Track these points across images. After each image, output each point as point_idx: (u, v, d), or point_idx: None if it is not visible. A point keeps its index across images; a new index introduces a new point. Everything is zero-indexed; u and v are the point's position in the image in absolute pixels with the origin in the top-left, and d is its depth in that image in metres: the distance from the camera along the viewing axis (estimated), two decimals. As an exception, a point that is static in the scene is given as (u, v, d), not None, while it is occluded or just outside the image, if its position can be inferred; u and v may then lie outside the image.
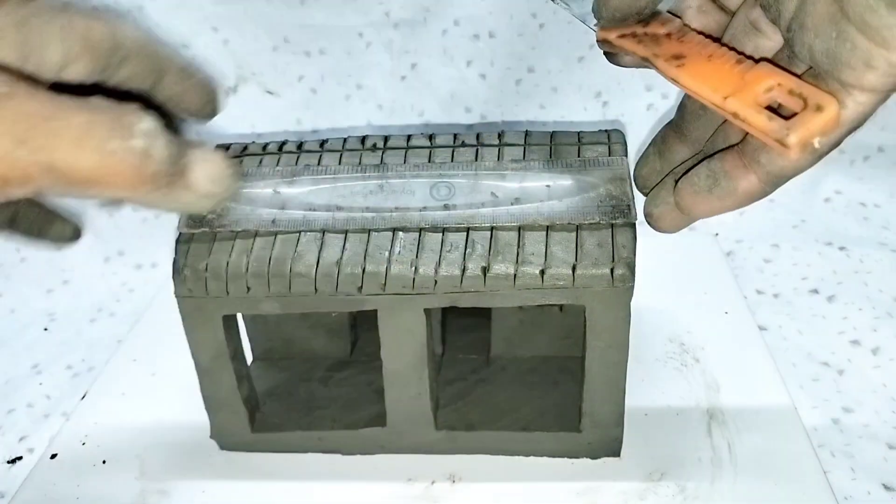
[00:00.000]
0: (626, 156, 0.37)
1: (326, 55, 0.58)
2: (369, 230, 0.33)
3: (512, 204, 0.33)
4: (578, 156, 0.37)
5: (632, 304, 0.32)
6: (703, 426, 0.39)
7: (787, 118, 0.24)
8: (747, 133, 0.27)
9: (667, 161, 0.33)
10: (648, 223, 0.33)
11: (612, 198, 0.33)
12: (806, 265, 0.52)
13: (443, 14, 0.56)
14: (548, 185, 0.33)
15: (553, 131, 0.39)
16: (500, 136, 0.39)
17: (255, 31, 0.57)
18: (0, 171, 0.20)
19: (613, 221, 0.32)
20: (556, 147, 0.38)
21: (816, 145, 0.24)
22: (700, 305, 0.47)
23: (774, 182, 0.28)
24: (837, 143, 0.26)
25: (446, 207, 0.33)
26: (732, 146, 0.28)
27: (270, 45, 0.57)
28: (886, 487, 0.37)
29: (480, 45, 0.57)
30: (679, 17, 0.30)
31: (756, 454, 0.37)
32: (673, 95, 0.57)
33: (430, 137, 0.39)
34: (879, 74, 0.23)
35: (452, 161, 0.35)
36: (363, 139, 0.39)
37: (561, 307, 0.40)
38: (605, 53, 0.32)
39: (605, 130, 0.39)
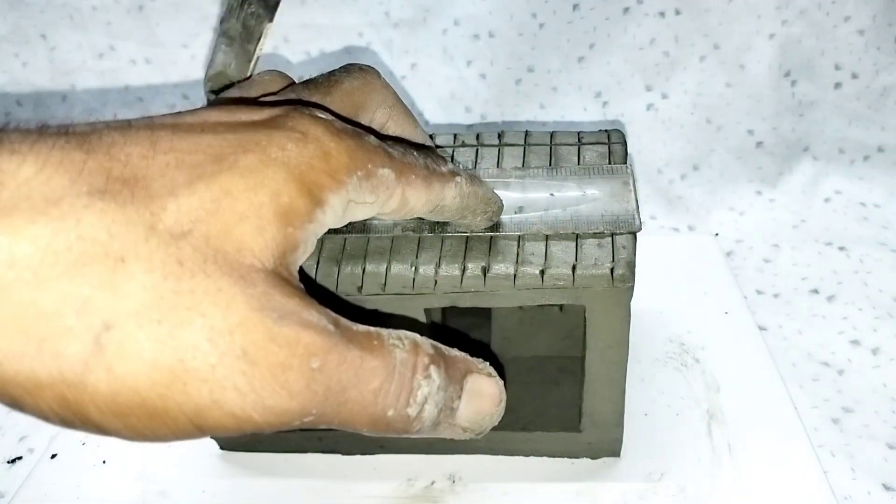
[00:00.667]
0: (627, 156, 0.37)
1: (326, 55, 0.58)
2: (368, 236, 0.33)
3: (515, 213, 0.33)
4: (578, 157, 0.37)
5: (632, 304, 0.32)
6: (703, 426, 0.39)
7: None
8: None
9: None
10: None
11: (617, 208, 0.32)
12: (806, 265, 0.52)
13: (443, 14, 0.56)
14: (551, 194, 0.33)
15: (553, 131, 0.39)
16: (500, 136, 0.39)
17: (255, 30, 0.57)
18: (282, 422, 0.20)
19: (617, 232, 0.32)
20: (556, 147, 0.38)
21: None
22: (700, 305, 0.47)
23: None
24: None
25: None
26: None
27: (270, 45, 0.57)
28: (886, 487, 0.37)
29: (480, 45, 0.57)
30: None
31: (756, 454, 0.37)
32: (673, 95, 0.57)
33: (430, 137, 0.39)
34: None
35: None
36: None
37: (561, 307, 0.40)
38: None
39: (605, 130, 0.39)
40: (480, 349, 0.42)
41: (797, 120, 0.57)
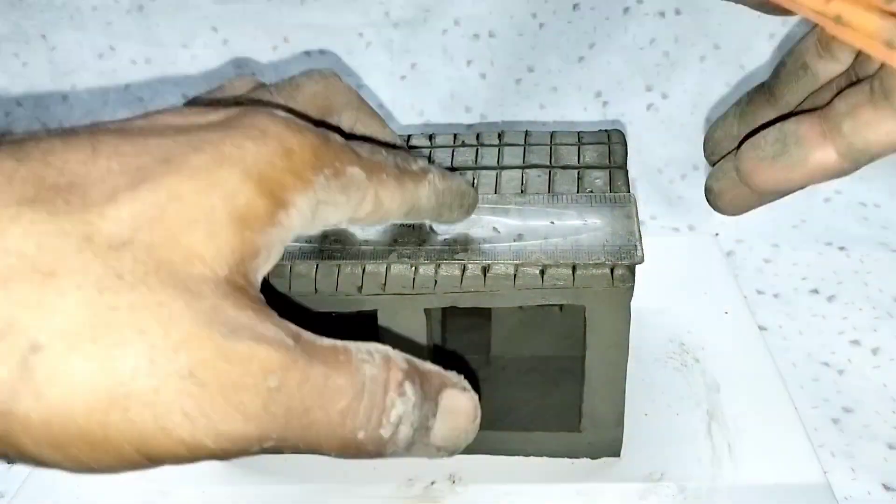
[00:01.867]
0: (627, 156, 0.37)
1: (326, 55, 0.58)
2: (364, 263, 0.32)
3: (514, 241, 0.32)
4: (578, 156, 0.37)
5: (632, 304, 0.32)
6: (703, 426, 0.39)
7: None
8: (837, 94, 0.23)
9: (747, 125, 0.28)
10: (709, 201, 0.28)
11: (618, 237, 0.32)
12: (806, 265, 0.52)
13: (443, 14, 0.56)
14: (551, 223, 0.33)
15: (553, 131, 0.39)
16: (500, 136, 0.39)
17: (254, 31, 0.57)
18: (254, 434, 0.19)
19: (618, 263, 0.31)
20: (556, 147, 0.38)
21: None
22: (700, 305, 0.47)
23: (856, 159, 0.23)
24: None
25: (446, 242, 0.32)
26: (815, 109, 0.24)
27: (270, 45, 0.57)
28: (886, 487, 0.37)
29: (480, 45, 0.57)
30: None
31: (756, 454, 0.37)
32: (673, 95, 0.57)
33: (430, 137, 0.39)
34: None
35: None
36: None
37: (561, 307, 0.40)
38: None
39: (605, 130, 0.39)
40: (480, 349, 0.42)
41: (797, 120, 0.57)
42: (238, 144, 0.20)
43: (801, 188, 0.25)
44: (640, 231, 0.32)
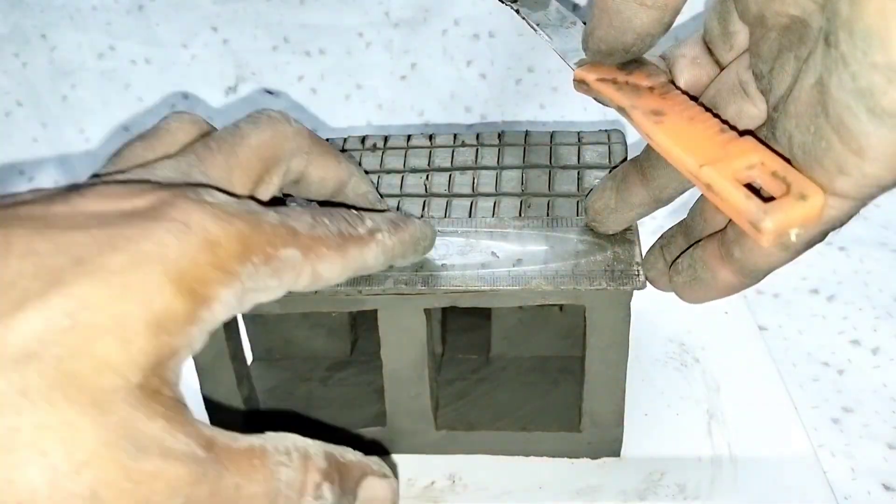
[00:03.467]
0: (627, 156, 0.37)
1: (326, 55, 0.58)
2: (360, 288, 0.32)
3: (514, 266, 0.31)
4: (578, 156, 0.37)
5: (632, 304, 0.32)
6: (703, 426, 0.39)
7: (766, 201, 0.21)
8: (729, 221, 0.25)
9: (623, 201, 0.30)
10: (589, 226, 0.32)
11: (620, 261, 0.31)
12: (806, 265, 0.52)
13: (443, 14, 0.56)
14: (551, 247, 0.32)
15: (553, 131, 0.39)
16: (500, 136, 0.39)
17: (254, 30, 0.57)
18: None
19: (621, 288, 0.31)
20: (556, 147, 0.38)
21: (793, 237, 0.22)
22: (700, 305, 0.46)
23: (750, 276, 0.26)
24: (812, 244, 0.24)
25: (444, 267, 0.32)
26: (716, 233, 0.27)
27: (270, 45, 0.57)
28: (886, 487, 0.37)
29: (480, 45, 0.57)
30: (669, 67, 0.28)
31: (756, 454, 0.37)
32: (673, 95, 0.57)
33: (430, 137, 0.39)
34: (852, 183, 0.21)
35: (448, 215, 0.34)
36: (363, 139, 0.39)
37: (561, 307, 0.40)
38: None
39: (605, 130, 0.39)
40: (480, 349, 0.42)
41: (797, 120, 0.57)
42: (159, 241, 0.20)
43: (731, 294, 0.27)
44: (641, 255, 0.32)
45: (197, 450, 0.19)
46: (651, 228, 0.57)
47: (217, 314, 0.21)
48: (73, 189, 0.21)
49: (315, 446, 0.22)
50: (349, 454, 0.23)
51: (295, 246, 0.23)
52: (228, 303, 0.21)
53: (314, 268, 0.23)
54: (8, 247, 0.18)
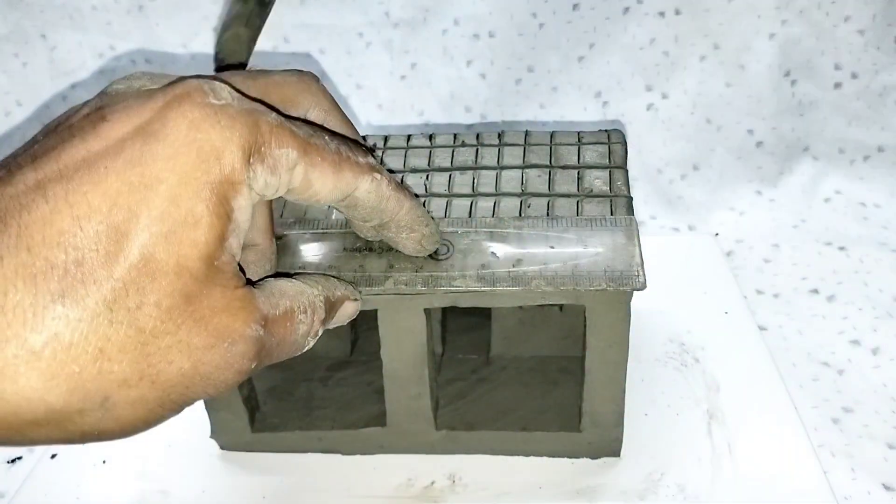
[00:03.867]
0: (627, 156, 0.37)
1: (326, 55, 0.58)
2: (361, 290, 0.32)
3: (513, 266, 0.31)
4: (578, 156, 0.37)
5: (632, 304, 0.32)
6: (703, 426, 0.39)
7: None
8: None
9: None
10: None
11: (620, 262, 0.31)
12: (806, 265, 0.52)
13: (443, 14, 0.56)
14: (551, 247, 0.32)
15: (553, 131, 0.39)
16: (500, 136, 0.39)
17: (254, 30, 0.57)
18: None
19: (620, 289, 0.31)
20: (556, 147, 0.38)
21: None
22: (700, 305, 0.47)
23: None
24: None
25: (444, 268, 0.32)
26: None
27: (270, 45, 0.57)
28: (886, 487, 0.37)
29: (480, 45, 0.57)
30: None
31: (756, 454, 0.37)
32: (673, 95, 0.57)
33: (430, 137, 0.39)
34: None
35: (448, 215, 0.34)
36: (363, 139, 0.39)
37: (561, 307, 0.40)
38: None
39: (605, 130, 0.39)
40: (480, 349, 0.42)
41: (797, 120, 0.57)
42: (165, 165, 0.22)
43: None
44: (641, 255, 0.31)
45: (260, 330, 0.23)
46: (651, 228, 0.57)
47: (240, 222, 0.23)
48: (99, 113, 0.22)
49: (320, 297, 0.27)
50: (339, 291, 0.28)
51: (291, 146, 0.24)
52: (244, 207, 0.23)
53: (307, 171, 0.25)
54: (74, 212, 0.20)
